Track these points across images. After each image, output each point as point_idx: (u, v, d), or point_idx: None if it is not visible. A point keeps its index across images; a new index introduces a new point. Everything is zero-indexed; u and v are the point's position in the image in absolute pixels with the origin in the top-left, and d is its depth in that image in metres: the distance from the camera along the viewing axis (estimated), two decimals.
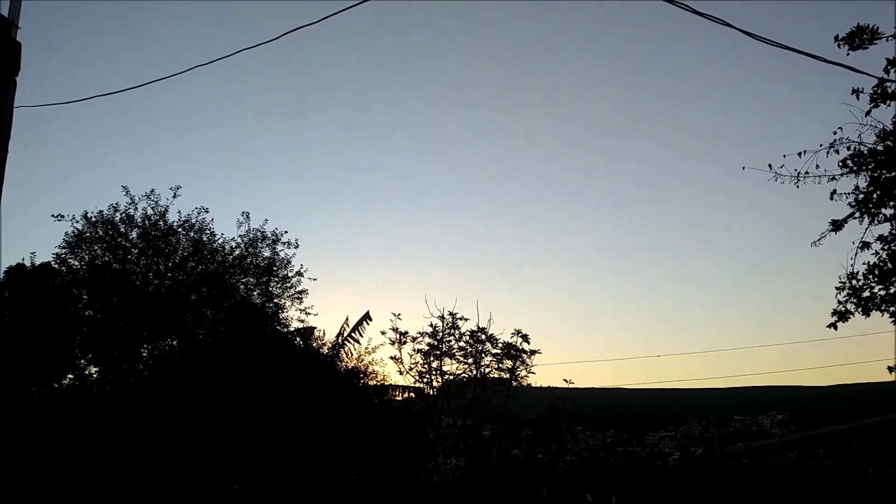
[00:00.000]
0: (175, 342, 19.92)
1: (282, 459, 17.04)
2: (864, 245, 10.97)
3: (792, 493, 12.18)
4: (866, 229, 10.88)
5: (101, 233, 19.63)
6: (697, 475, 14.30)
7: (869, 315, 11.05)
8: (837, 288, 11.20)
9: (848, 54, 10.10)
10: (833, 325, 11.23)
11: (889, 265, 10.76)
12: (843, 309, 11.15)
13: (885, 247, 10.81)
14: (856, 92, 10.23)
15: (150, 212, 19.91)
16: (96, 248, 19.65)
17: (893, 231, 10.74)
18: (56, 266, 19.27)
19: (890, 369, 10.99)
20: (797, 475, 13.47)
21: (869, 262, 10.94)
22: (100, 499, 15.04)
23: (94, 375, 19.40)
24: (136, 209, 19.85)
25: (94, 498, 15.06)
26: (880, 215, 10.69)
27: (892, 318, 10.61)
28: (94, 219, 19.58)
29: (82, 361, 19.26)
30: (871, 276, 10.95)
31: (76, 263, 19.53)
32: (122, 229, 19.78)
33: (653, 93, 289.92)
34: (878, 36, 10.06)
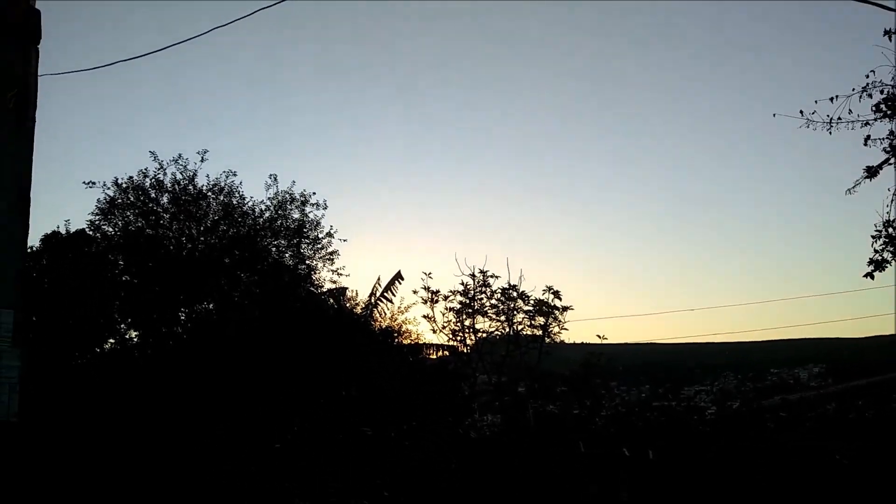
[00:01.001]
0: (211, 305, 20.17)
1: (320, 418, 17.28)
2: None
3: (831, 445, 12.11)
4: None
5: (132, 199, 19.81)
6: (734, 428, 14.27)
7: None
8: (873, 236, 10.97)
9: None
10: (870, 275, 11.02)
11: None
12: (880, 258, 10.93)
13: None
14: (888, 33, 9.93)
15: (179, 176, 20.05)
16: (129, 213, 19.85)
17: None
18: (90, 233, 19.52)
19: None
20: (836, 426, 13.39)
21: None
22: (144, 460, 15.38)
23: (135, 339, 19.75)
24: (165, 174, 19.99)
25: (138, 459, 15.40)
26: None
27: None
28: (124, 185, 19.76)
29: (122, 326, 19.60)
30: None
31: (110, 230, 19.77)
32: (153, 195, 19.94)
33: (681, 34, 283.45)
34: None
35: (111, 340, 19.54)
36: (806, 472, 11.62)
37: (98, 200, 19.62)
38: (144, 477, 14.46)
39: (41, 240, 19.12)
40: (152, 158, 19.97)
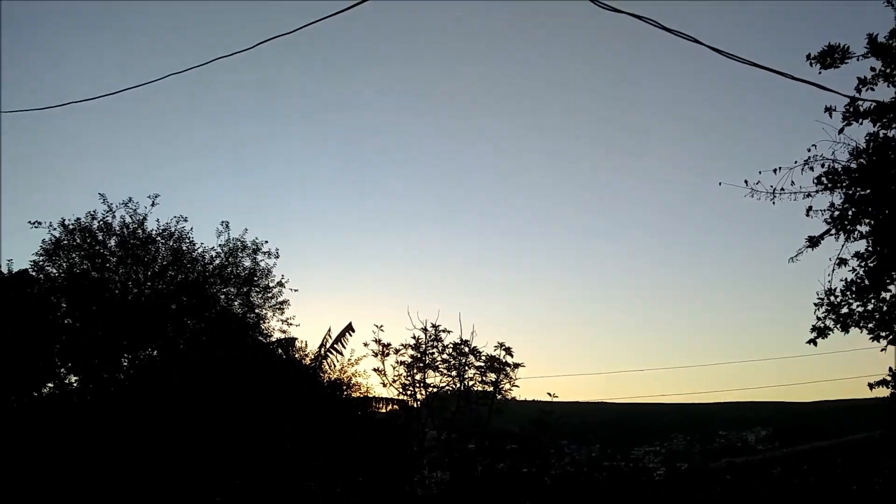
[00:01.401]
0: (155, 351, 19.77)
1: (263, 471, 16.89)
2: (841, 262, 10.99)
3: None
4: (843, 246, 10.91)
5: (78, 240, 19.47)
6: (682, 491, 14.26)
7: (847, 331, 11.05)
8: (816, 304, 11.20)
9: (820, 73, 10.19)
10: (812, 342, 11.22)
11: (866, 282, 10.77)
12: (822, 325, 11.14)
13: (862, 263, 10.82)
14: (829, 110, 10.32)
15: (128, 220, 19.79)
16: (74, 255, 19.49)
17: (869, 248, 10.76)
18: (33, 273, 19.10)
19: (871, 386, 10.99)
20: (781, 492, 13.46)
21: (846, 279, 10.96)
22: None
23: (75, 384, 19.23)
24: (114, 217, 19.72)
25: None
26: (856, 232, 10.73)
27: (871, 335, 10.62)
28: (71, 226, 19.43)
29: (62, 370, 19.09)
30: (848, 293, 10.95)
31: (54, 271, 19.37)
32: (101, 237, 19.63)
33: (626, 110, 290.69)
34: (850, 55, 10.15)
35: (49, 385, 18.96)
36: None
37: (43, 241, 19.28)
38: None
39: None
40: (101, 201, 19.72)
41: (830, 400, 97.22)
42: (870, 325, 10.64)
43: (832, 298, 10.97)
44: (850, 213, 10.47)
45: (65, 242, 19.38)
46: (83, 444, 16.30)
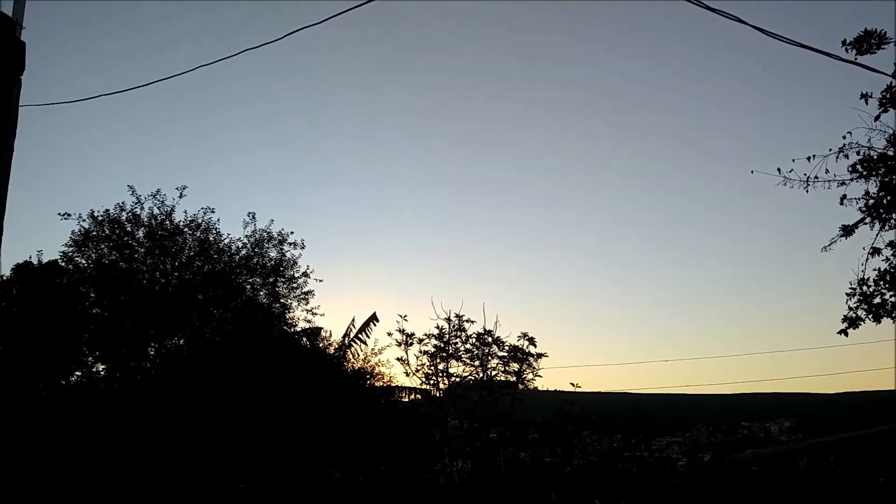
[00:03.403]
0: (182, 341, 19.93)
1: (288, 459, 17.00)
2: (875, 251, 10.85)
3: (803, 502, 12.06)
4: (877, 235, 10.76)
5: (107, 232, 19.68)
6: (706, 482, 14.17)
7: (880, 322, 10.92)
8: (848, 294, 11.08)
9: (855, 58, 10.00)
10: (844, 332, 11.10)
11: None
12: (854, 315, 11.02)
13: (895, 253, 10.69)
14: (864, 97, 10.14)
15: (156, 211, 20.01)
16: (103, 246, 19.70)
17: None
18: (63, 264, 19.34)
19: None
20: (807, 483, 13.35)
21: (880, 269, 10.83)
22: (107, 495, 15.02)
23: (102, 373, 19.45)
24: (142, 208, 19.94)
25: (101, 494, 15.04)
26: (891, 220, 10.57)
27: None
28: (100, 218, 19.65)
29: (90, 359, 19.31)
30: (881, 283, 10.82)
31: (83, 262, 19.61)
32: (129, 228, 19.84)
33: (663, 94, 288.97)
34: (886, 41, 9.96)
35: (77, 373, 19.18)
36: None
37: (73, 232, 19.52)
38: None
39: (12, 269, 18.90)
40: (130, 192, 19.93)
41: (854, 392, 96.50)
42: None
43: (864, 288, 10.85)
44: (885, 200, 10.32)
45: (94, 233, 19.60)
46: (109, 433, 16.46)
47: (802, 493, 12.43)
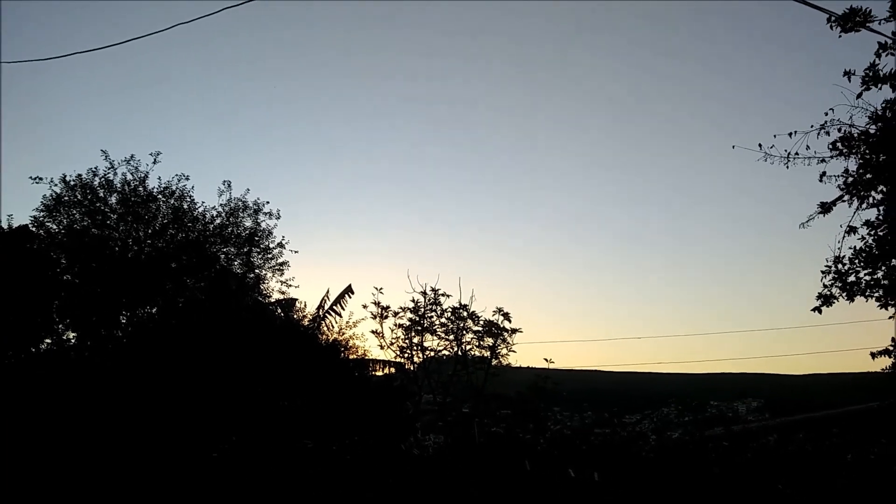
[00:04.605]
0: (154, 309, 19.73)
1: (262, 428, 16.95)
2: (851, 230, 10.94)
3: (772, 476, 12.23)
4: (854, 212, 10.85)
5: (79, 197, 19.34)
6: (678, 456, 14.32)
7: (853, 300, 11.04)
8: (823, 272, 11.18)
9: (840, 36, 10.04)
10: (817, 309, 11.21)
11: (875, 250, 10.74)
12: (829, 293, 11.14)
13: (872, 232, 10.78)
14: (847, 74, 10.18)
15: (129, 177, 19.67)
16: (75, 212, 19.37)
17: (880, 216, 10.71)
18: (34, 229, 18.99)
19: (873, 355, 11.02)
20: (777, 459, 13.52)
21: (855, 247, 10.93)
22: (76, 464, 14.90)
23: (72, 340, 19.21)
24: (115, 174, 19.60)
25: (69, 463, 14.91)
26: (870, 198, 10.66)
27: (879, 304, 10.63)
28: (72, 182, 19.30)
29: (60, 326, 19.05)
30: (857, 261, 10.93)
31: (54, 227, 19.27)
32: (102, 194, 19.51)
33: (640, 69, 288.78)
34: (871, 19, 9.98)
35: (48, 340, 18.93)
36: (753, 498, 11.72)
37: (44, 196, 19.15)
38: (73, 480, 14.01)
39: None
40: (103, 157, 19.57)
41: (821, 373, 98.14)
42: (877, 294, 10.64)
43: (840, 266, 10.95)
44: (865, 177, 10.40)
45: (66, 198, 19.26)
46: (79, 401, 16.30)
47: (771, 467, 12.60)
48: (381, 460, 15.55)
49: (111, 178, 19.51)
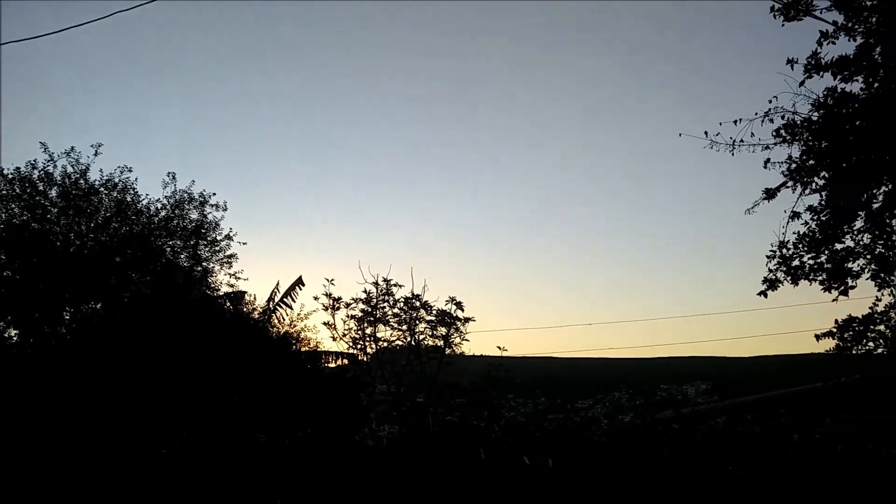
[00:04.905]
0: (99, 305, 19.33)
1: (212, 424, 16.73)
2: (795, 215, 11.20)
3: (720, 457, 12.45)
4: (798, 198, 11.10)
5: (17, 190, 18.85)
6: (629, 439, 14.52)
7: (797, 284, 11.31)
8: (768, 256, 11.43)
9: (783, 25, 10.19)
10: (763, 294, 11.47)
11: (818, 235, 10.99)
12: (774, 277, 11.39)
13: (815, 217, 11.04)
14: (790, 62, 10.37)
15: (70, 170, 19.20)
16: (13, 206, 18.87)
17: (823, 201, 10.96)
18: None
19: (817, 337, 11.29)
20: (725, 440, 13.77)
21: (799, 232, 11.17)
22: (17, 464, 14.53)
23: (14, 338, 18.74)
24: (55, 167, 19.12)
25: (11, 463, 14.54)
26: (812, 184, 10.90)
27: (822, 287, 10.89)
28: (10, 176, 18.82)
29: (1, 324, 18.58)
30: (800, 246, 11.18)
31: None
32: (41, 187, 19.03)
33: (589, 56, 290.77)
34: (813, 7, 10.16)
35: None
36: (703, 479, 11.92)
37: None
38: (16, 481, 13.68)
39: None
40: (42, 150, 19.07)
41: (768, 356, 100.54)
42: (820, 277, 10.90)
43: (784, 251, 11.18)
44: (808, 164, 10.61)
45: (3, 192, 18.76)
46: (21, 399, 15.92)
47: (720, 449, 12.84)
48: (335, 452, 15.47)
49: (51, 171, 19.07)
